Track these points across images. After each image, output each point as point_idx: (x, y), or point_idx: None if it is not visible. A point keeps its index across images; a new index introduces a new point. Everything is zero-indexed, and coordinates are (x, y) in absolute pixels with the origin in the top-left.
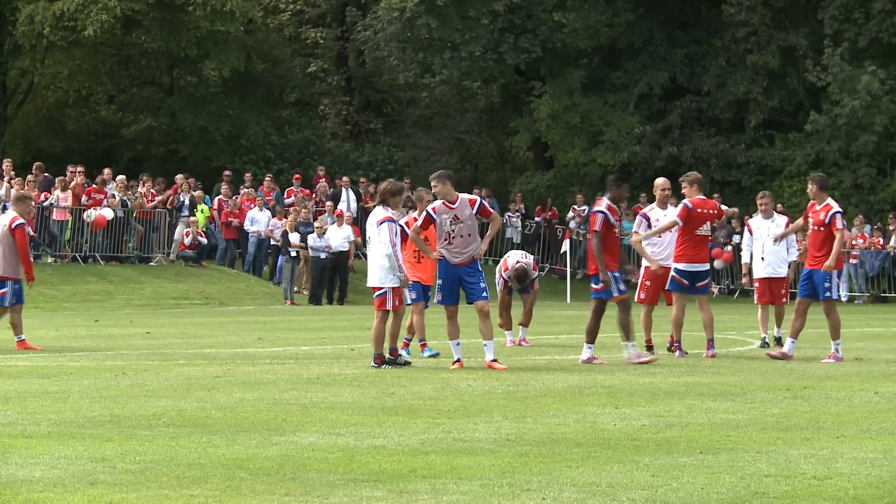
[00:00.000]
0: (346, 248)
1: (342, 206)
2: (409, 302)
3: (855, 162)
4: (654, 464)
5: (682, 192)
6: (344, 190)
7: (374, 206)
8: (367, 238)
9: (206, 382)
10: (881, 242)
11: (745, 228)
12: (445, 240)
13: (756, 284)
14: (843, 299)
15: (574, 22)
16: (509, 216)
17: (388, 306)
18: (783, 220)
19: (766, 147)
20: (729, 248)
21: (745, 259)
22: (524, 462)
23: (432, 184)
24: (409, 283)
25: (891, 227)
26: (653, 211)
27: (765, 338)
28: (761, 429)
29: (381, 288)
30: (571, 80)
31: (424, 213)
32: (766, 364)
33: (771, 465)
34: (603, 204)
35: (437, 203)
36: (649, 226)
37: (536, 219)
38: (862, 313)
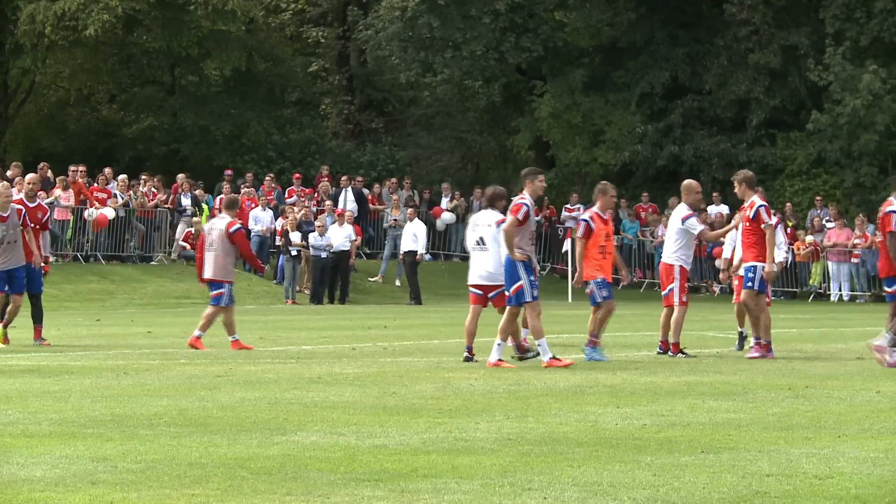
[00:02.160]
0: (347, 248)
1: (342, 205)
2: (599, 300)
3: (856, 161)
4: (655, 463)
5: (735, 191)
6: (344, 189)
7: (482, 209)
8: (477, 239)
9: (208, 382)
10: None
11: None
12: (530, 239)
13: (736, 282)
14: (846, 298)
15: (575, 21)
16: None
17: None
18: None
19: (767, 146)
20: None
21: (726, 254)
22: (526, 461)
23: (525, 182)
24: (598, 279)
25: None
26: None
27: (741, 332)
28: (763, 428)
29: (501, 286)
30: (573, 80)
31: (524, 207)
32: (768, 363)
33: (772, 465)
34: (895, 204)
35: (530, 200)
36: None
37: (537, 218)
38: (863, 312)
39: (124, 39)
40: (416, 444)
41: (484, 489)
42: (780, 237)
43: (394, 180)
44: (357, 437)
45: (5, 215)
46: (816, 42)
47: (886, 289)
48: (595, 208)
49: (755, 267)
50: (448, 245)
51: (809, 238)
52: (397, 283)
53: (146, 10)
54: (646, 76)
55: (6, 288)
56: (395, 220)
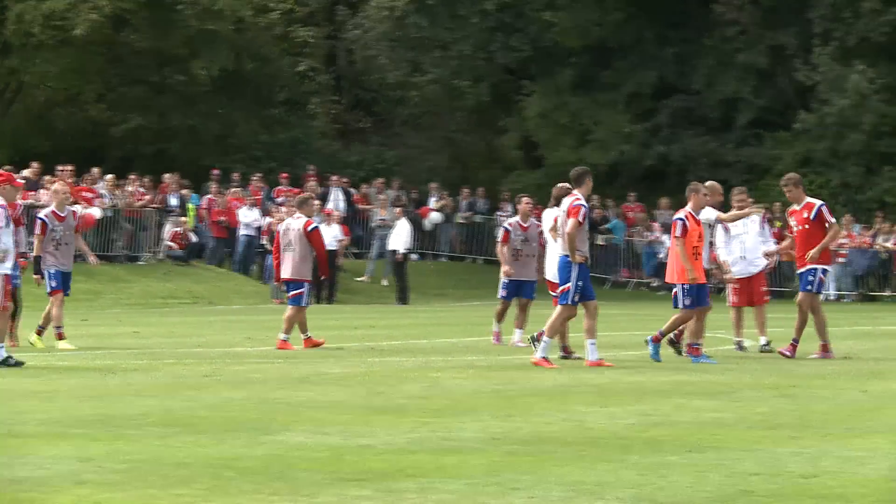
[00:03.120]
0: (335, 248)
1: (330, 205)
2: (681, 305)
3: (843, 161)
4: (641, 462)
5: (788, 195)
6: (332, 189)
7: (550, 208)
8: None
9: (194, 382)
10: (869, 241)
11: (719, 226)
12: (586, 238)
13: (736, 285)
14: (832, 298)
15: (564, 21)
16: (499, 215)
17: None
18: (757, 216)
19: (754, 146)
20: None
21: (723, 257)
22: (512, 461)
23: (582, 182)
24: (687, 285)
25: (877, 226)
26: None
27: (740, 342)
28: (748, 427)
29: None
30: (561, 79)
31: (583, 209)
32: (754, 363)
33: (758, 464)
34: None
35: (584, 200)
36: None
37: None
38: (850, 312)
39: (112, 39)
40: (403, 444)
41: (470, 489)
42: (768, 236)
43: (382, 180)
44: (343, 437)
45: (63, 215)
46: (804, 42)
47: None
48: (688, 207)
49: (815, 270)
50: (436, 245)
51: None
52: (385, 282)
53: (134, 10)
54: (634, 76)
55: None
56: (383, 219)
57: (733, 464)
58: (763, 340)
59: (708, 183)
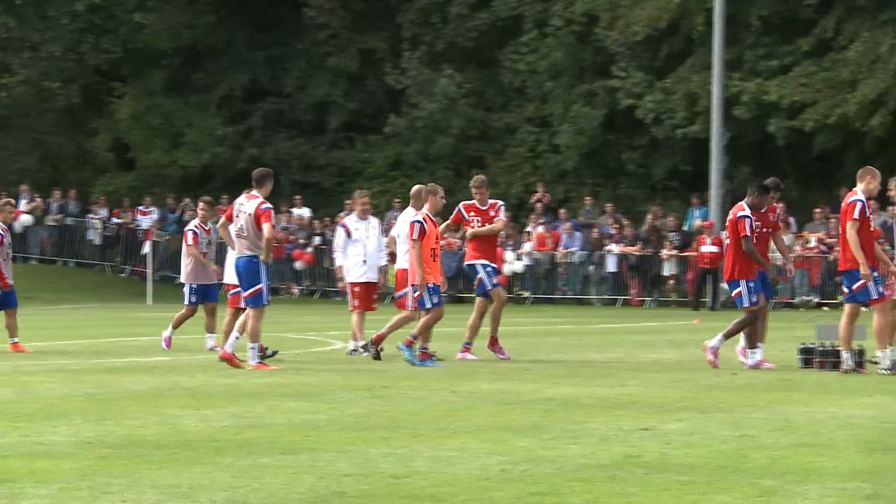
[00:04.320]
0: None
1: None
2: (429, 305)
3: (433, 164)
4: (234, 465)
5: (479, 197)
6: None
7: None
8: None
9: None
10: (455, 242)
11: (340, 229)
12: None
13: (357, 289)
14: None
15: (156, 23)
16: (90, 218)
17: None
18: (376, 221)
19: (346, 149)
20: (310, 249)
21: (338, 262)
22: (104, 465)
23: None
24: (429, 284)
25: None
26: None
27: (362, 345)
28: (341, 429)
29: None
30: (153, 81)
31: (272, 210)
32: (347, 365)
33: (350, 465)
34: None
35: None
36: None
37: (116, 220)
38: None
39: None
40: None
41: (62, 493)
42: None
43: None
44: None
45: None
46: (394, 46)
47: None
48: (425, 209)
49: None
50: (26, 247)
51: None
52: None
53: None
54: (226, 78)
55: None
56: None
57: (326, 465)
58: (352, 345)
59: (418, 188)
